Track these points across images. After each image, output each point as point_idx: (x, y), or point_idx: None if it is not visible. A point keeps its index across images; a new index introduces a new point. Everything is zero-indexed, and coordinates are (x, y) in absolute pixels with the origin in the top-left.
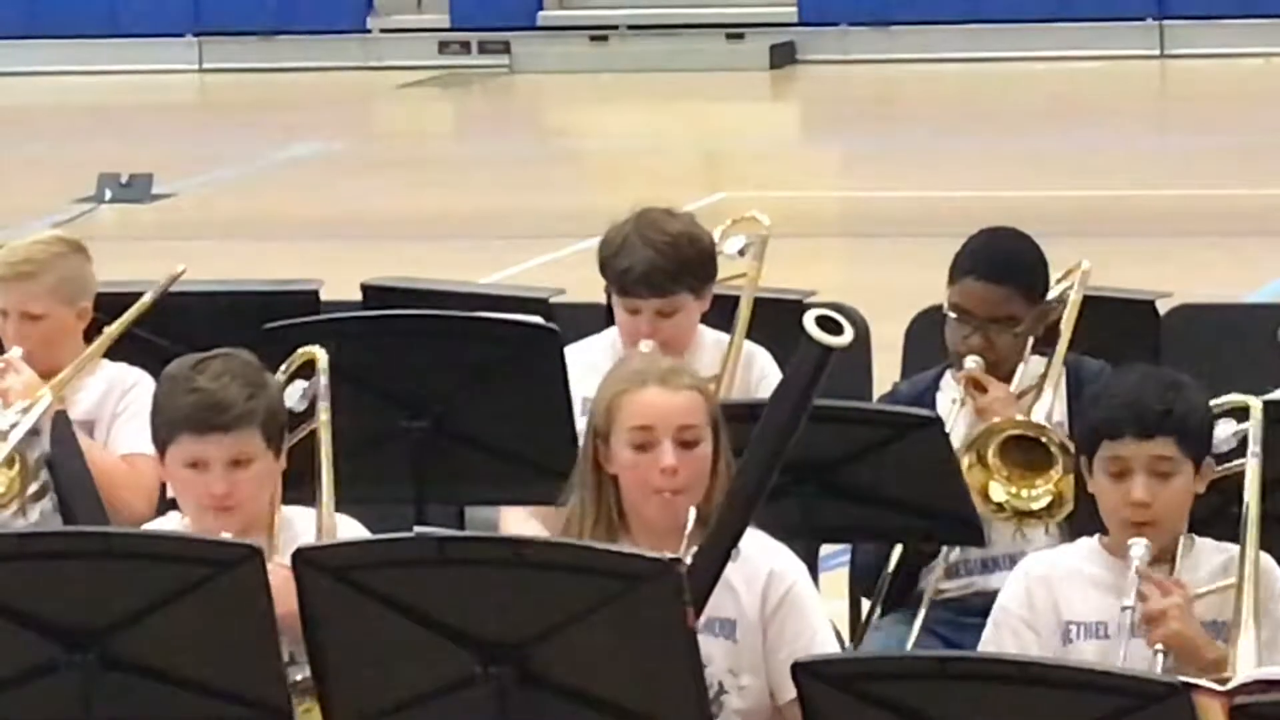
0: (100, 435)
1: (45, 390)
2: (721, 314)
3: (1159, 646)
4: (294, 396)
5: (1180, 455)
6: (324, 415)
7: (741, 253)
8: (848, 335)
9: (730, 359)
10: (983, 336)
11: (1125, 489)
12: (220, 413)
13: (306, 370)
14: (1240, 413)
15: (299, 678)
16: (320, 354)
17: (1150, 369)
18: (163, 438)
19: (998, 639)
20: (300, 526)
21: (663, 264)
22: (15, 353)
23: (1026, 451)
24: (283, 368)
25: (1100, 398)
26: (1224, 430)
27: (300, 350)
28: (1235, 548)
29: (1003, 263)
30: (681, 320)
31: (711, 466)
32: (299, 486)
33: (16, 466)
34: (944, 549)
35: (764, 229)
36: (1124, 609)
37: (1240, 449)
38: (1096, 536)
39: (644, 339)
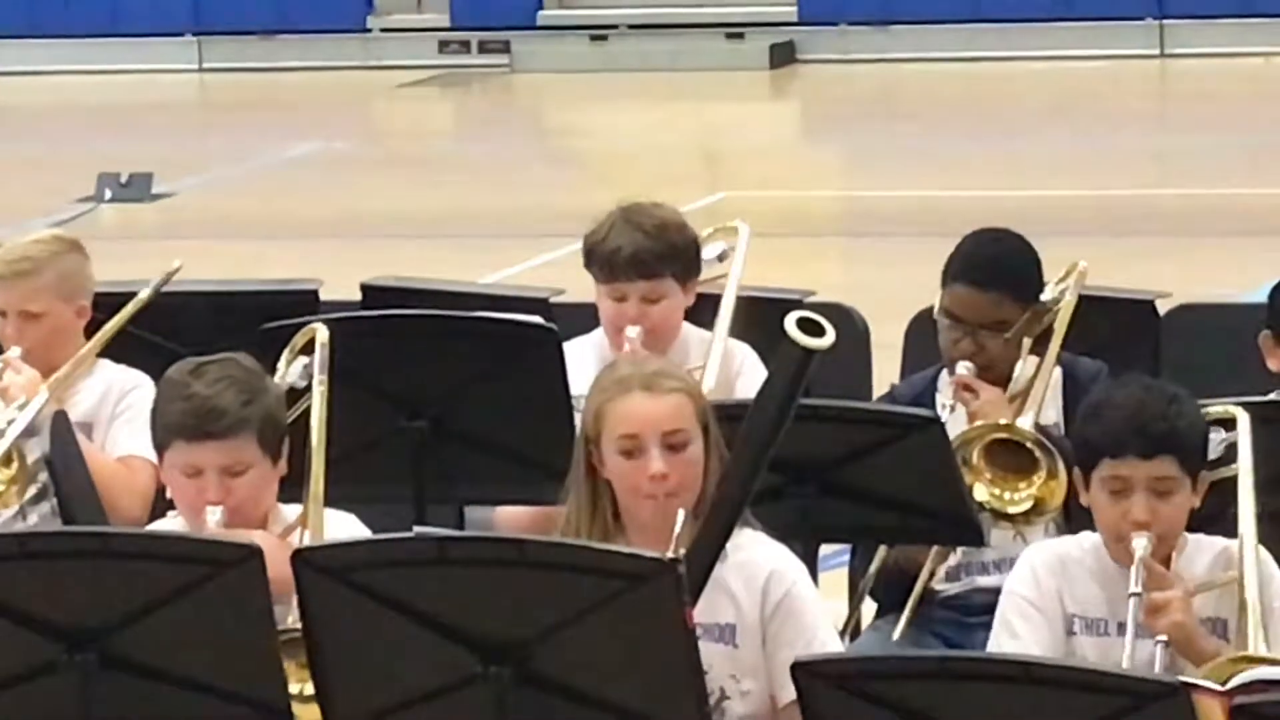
0: (98, 437)
1: (44, 388)
2: (710, 314)
3: (1161, 637)
4: (295, 373)
5: (1181, 474)
6: (320, 387)
7: (721, 258)
8: (829, 338)
9: (712, 351)
10: (973, 341)
11: (1125, 507)
12: (213, 420)
13: (311, 348)
14: (1227, 421)
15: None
16: (321, 329)
17: (1149, 382)
18: (160, 442)
19: (1006, 622)
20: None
21: (650, 246)
22: (14, 352)
23: (1012, 455)
24: (288, 347)
25: (1099, 412)
26: (1212, 437)
27: (304, 328)
28: (1228, 542)
29: (990, 267)
30: (667, 308)
31: (705, 465)
32: (299, 485)
33: (15, 465)
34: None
35: (742, 235)
36: (1130, 595)
37: (1228, 456)
38: (1099, 533)
39: (630, 324)
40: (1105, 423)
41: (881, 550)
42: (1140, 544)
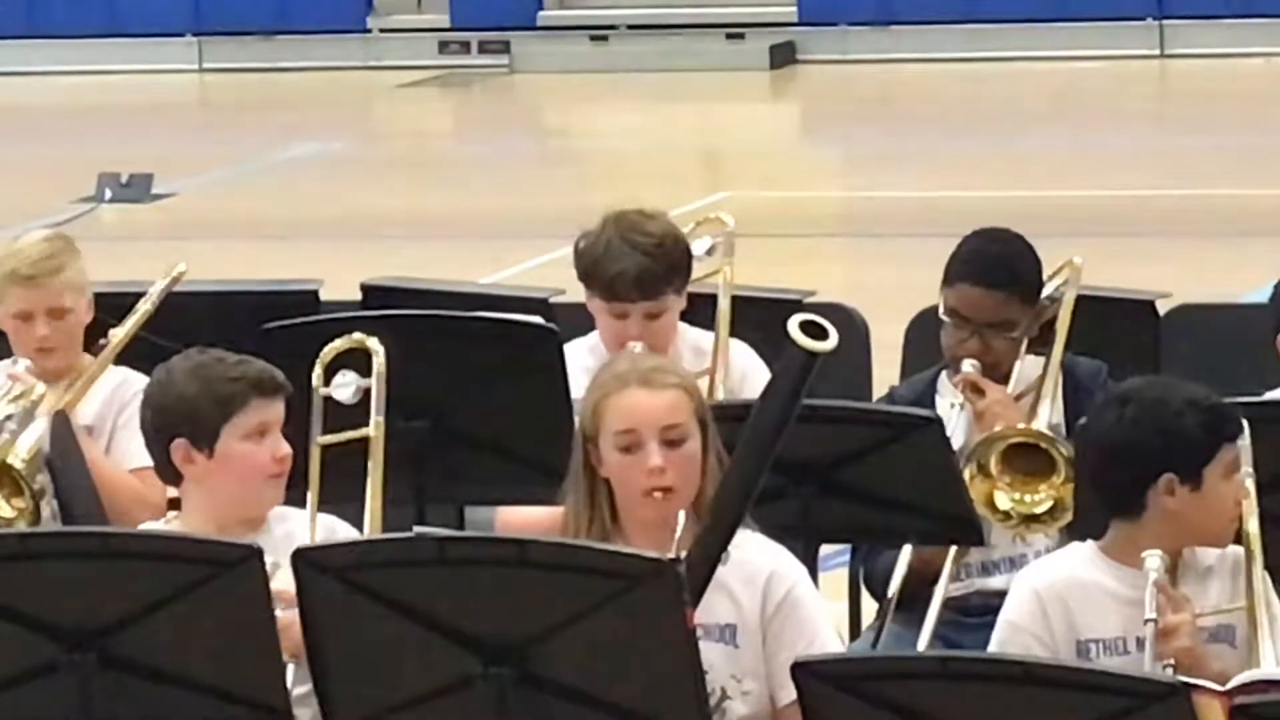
0: (102, 442)
1: (54, 402)
2: (699, 312)
3: (1169, 661)
4: (345, 390)
5: None
6: (378, 426)
7: (709, 253)
8: (832, 341)
9: (718, 356)
10: (980, 341)
11: (1237, 485)
12: (278, 376)
13: (348, 360)
14: None
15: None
16: (376, 348)
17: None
18: (218, 420)
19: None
20: (297, 525)
21: (653, 266)
22: (21, 365)
23: (1026, 457)
24: (328, 347)
25: (1180, 416)
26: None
27: (353, 336)
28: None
29: (999, 267)
30: (667, 321)
31: (702, 463)
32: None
33: (27, 496)
34: (952, 552)
35: (728, 228)
36: (1147, 622)
37: None
38: (1091, 543)
39: (632, 340)
40: (1206, 412)
41: (906, 552)
42: (1154, 564)
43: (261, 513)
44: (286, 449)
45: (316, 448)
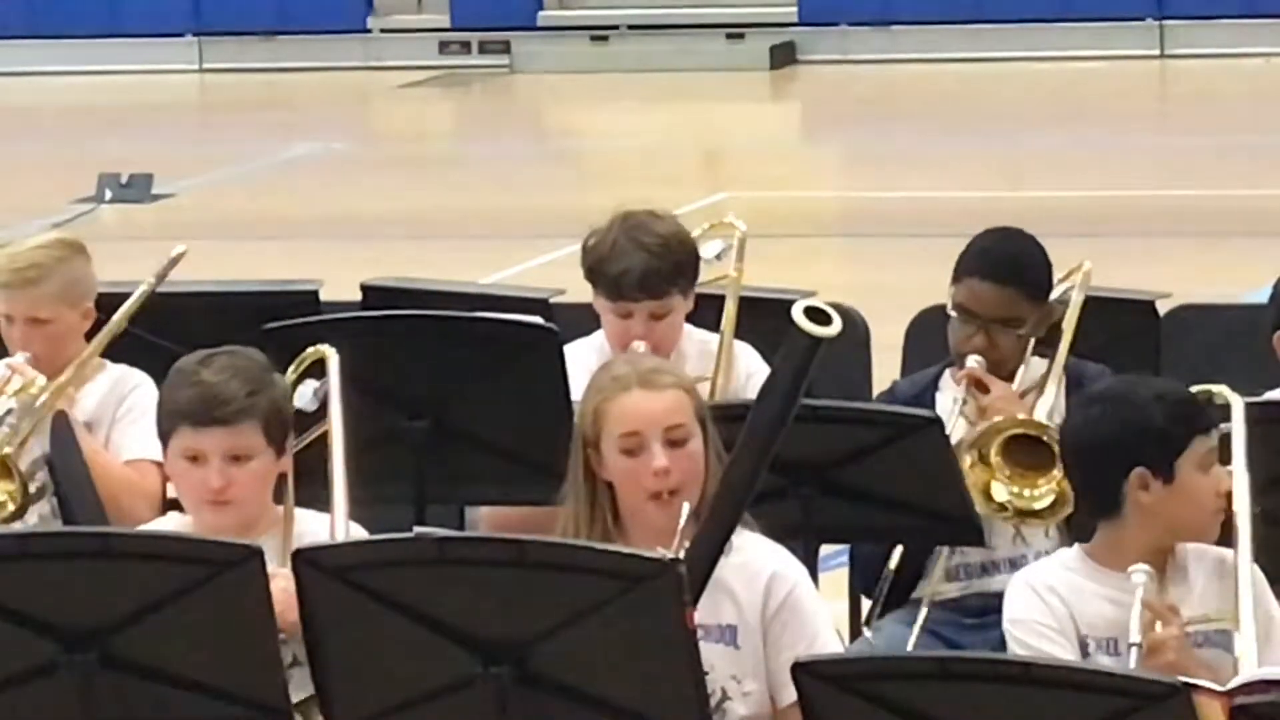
0: (100, 436)
1: (48, 392)
2: (707, 314)
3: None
4: (305, 397)
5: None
6: (336, 418)
7: (718, 257)
8: (835, 326)
9: (722, 360)
10: (986, 337)
11: (1216, 479)
12: (219, 406)
13: (316, 370)
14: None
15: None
16: (331, 354)
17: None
18: (164, 429)
19: (1029, 648)
20: (307, 528)
21: (658, 266)
22: (19, 357)
23: (1028, 451)
24: (292, 366)
25: (1145, 410)
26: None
27: (310, 349)
28: (1224, 551)
29: (1009, 264)
30: (672, 321)
31: (703, 462)
32: (308, 487)
33: (15, 480)
34: (944, 550)
35: (739, 232)
36: (1130, 646)
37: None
38: (1077, 547)
39: (636, 340)
40: (1173, 405)
41: (898, 549)
42: (1139, 579)
43: (209, 533)
44: (217, 482)
45: (290, 458)
